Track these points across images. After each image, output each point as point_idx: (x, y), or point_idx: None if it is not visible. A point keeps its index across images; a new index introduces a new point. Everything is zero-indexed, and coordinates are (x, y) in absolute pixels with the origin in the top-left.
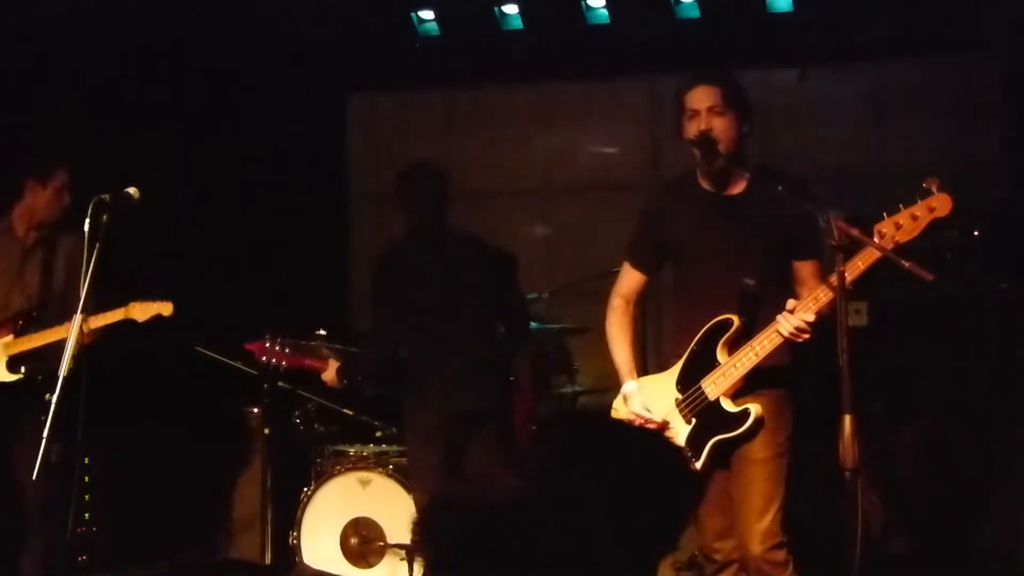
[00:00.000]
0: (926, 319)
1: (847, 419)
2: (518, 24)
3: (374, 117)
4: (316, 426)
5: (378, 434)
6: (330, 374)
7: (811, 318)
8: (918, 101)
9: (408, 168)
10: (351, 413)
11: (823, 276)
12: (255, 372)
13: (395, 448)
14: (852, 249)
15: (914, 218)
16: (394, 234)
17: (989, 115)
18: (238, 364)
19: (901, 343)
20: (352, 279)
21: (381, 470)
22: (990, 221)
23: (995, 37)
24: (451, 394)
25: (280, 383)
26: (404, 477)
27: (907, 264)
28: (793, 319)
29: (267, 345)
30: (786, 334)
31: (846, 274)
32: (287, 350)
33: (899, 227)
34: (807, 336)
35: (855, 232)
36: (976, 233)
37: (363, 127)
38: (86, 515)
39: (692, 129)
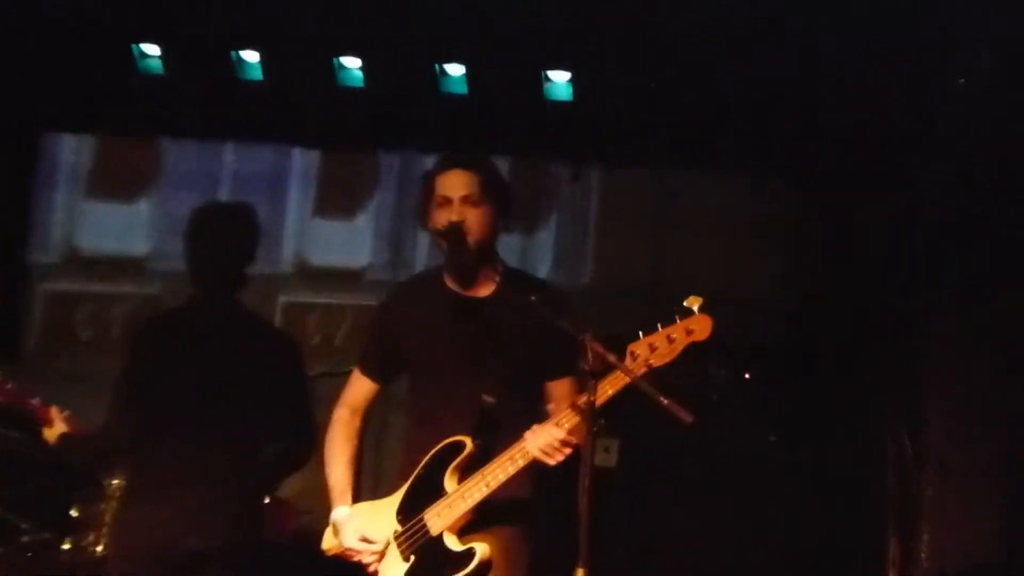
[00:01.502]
0: (682, 465)
1: (580, 572)
2: (258, 75)
3: (71, 161)
4: None
5: (25, 539)
6: (55, 433)
7: (561, 435)
8: (703, 218)
9: (208, 206)
10: None
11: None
12: None
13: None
14: (607, 375)
15: (670, 340)
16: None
17: (773, 245)
18: None
19: (652, 489)
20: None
21: None
22: (764, 363)
23: (785, 162)
24: (175, 525)
25: None
26: None
27: (666, 401)
28: (545, 432)
29: None
30: (536, 452)
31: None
32: (8, 385)
33: (653, 349)
34: (560, 457)
35: (612, 358)
36: (747, 376)
37: (58, 172)
38: None
39: (441, 218)
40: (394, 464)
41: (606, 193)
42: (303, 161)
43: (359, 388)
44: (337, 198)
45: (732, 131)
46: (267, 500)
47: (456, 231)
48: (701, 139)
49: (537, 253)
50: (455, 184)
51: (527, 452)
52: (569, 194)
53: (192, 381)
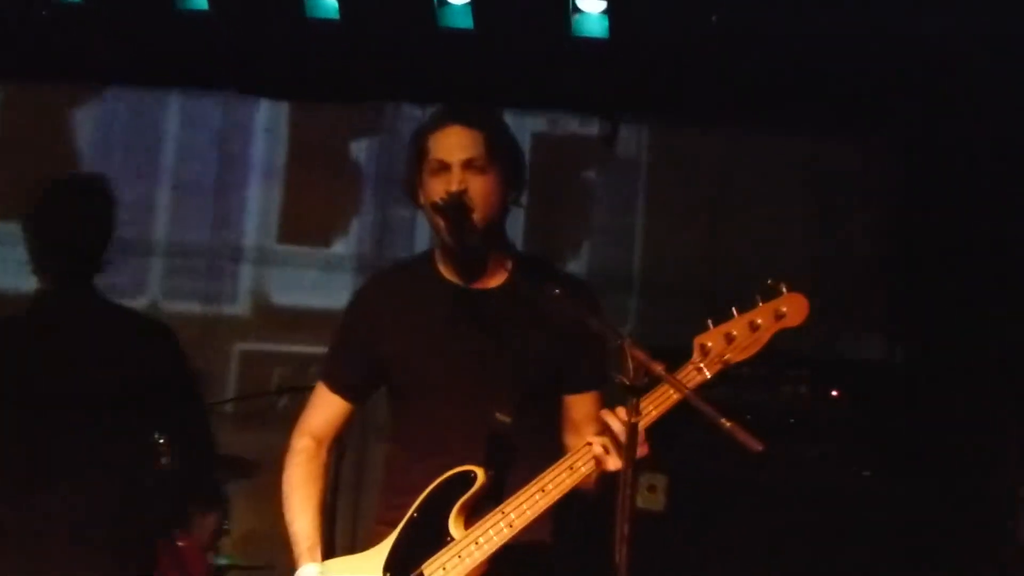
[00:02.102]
0: (749, 508)
1: None
2: (203, 3)
3: None
4: None
5: None
6: None
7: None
8: (778, 193)
9: (54, 181)
10: None
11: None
12: None
13: None
14: (651, 392)
15: (753, 327)
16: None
17: (872, 228)
18: None
19: (709, 538)
20: None
21: None
22: (857, 378)
23: (889, 120)
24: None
25: None
26: None
27: (728, 424)
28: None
29: None
30: (598, 450)
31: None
32: None
33: (730, 340)
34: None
35: (659, 369)
36: (835, 394)
37: None
38: None
39: (437, 189)
40: (376, 505)
41: (652, 160)
42: (267, 120)
43: (326, 410)
44: (308, 213)
45: (817, 77)
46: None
47: (458, 204)
48: (776, 88)
49: (564, 234)
50: (455, 145)
51: (576, 468)
52: (604, 160)
53: (49, 397)
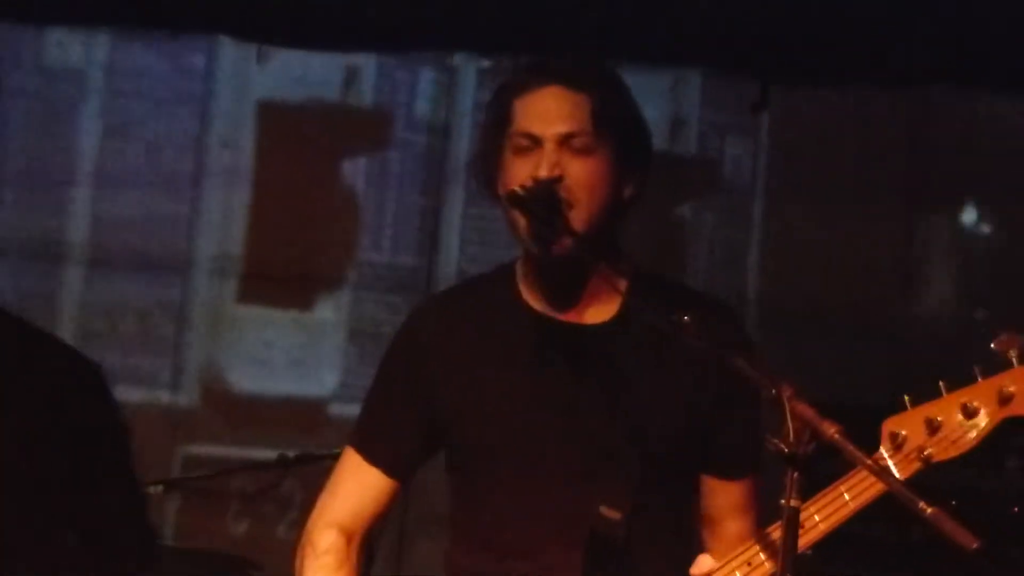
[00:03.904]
0: None
1: None
2: None
3: None
4: None
5: None
6: None
7: None
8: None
9: None
10: None
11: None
12: None
13: None
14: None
15: (968, 412)
16: None
17: None
18: None
19: None
20: None
21: None
22: None
23: None
24: None
25: None
26: None
27: (930, 510)
28: None
29: None
30: None
31: (808, 523)
32: None
33: (934, 429)
34: None
35: (832, 432)
36: None
37: None
38: None
39: (521, 172)
40: None
41: (795, 134)
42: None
43: (359, 489)
44: (280, 260)
45: None
46: None
47: (547, 197)
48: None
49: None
50: (549, 112)
51: None
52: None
53: None
